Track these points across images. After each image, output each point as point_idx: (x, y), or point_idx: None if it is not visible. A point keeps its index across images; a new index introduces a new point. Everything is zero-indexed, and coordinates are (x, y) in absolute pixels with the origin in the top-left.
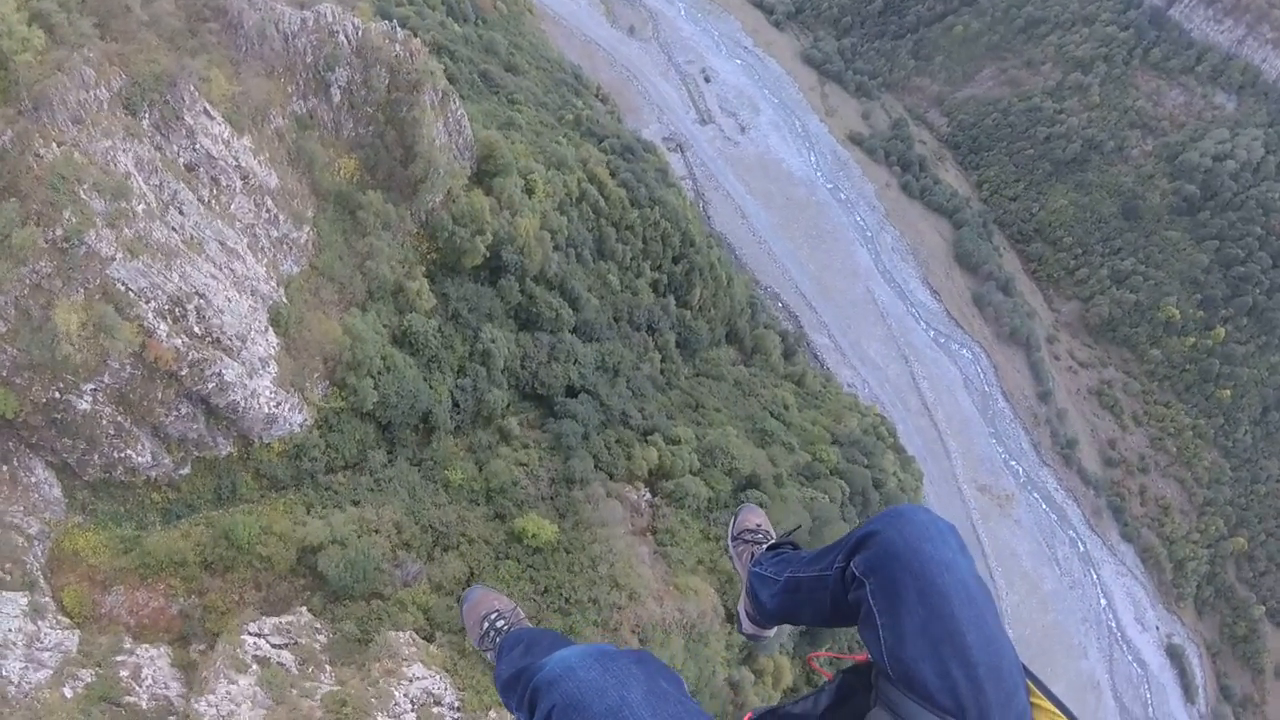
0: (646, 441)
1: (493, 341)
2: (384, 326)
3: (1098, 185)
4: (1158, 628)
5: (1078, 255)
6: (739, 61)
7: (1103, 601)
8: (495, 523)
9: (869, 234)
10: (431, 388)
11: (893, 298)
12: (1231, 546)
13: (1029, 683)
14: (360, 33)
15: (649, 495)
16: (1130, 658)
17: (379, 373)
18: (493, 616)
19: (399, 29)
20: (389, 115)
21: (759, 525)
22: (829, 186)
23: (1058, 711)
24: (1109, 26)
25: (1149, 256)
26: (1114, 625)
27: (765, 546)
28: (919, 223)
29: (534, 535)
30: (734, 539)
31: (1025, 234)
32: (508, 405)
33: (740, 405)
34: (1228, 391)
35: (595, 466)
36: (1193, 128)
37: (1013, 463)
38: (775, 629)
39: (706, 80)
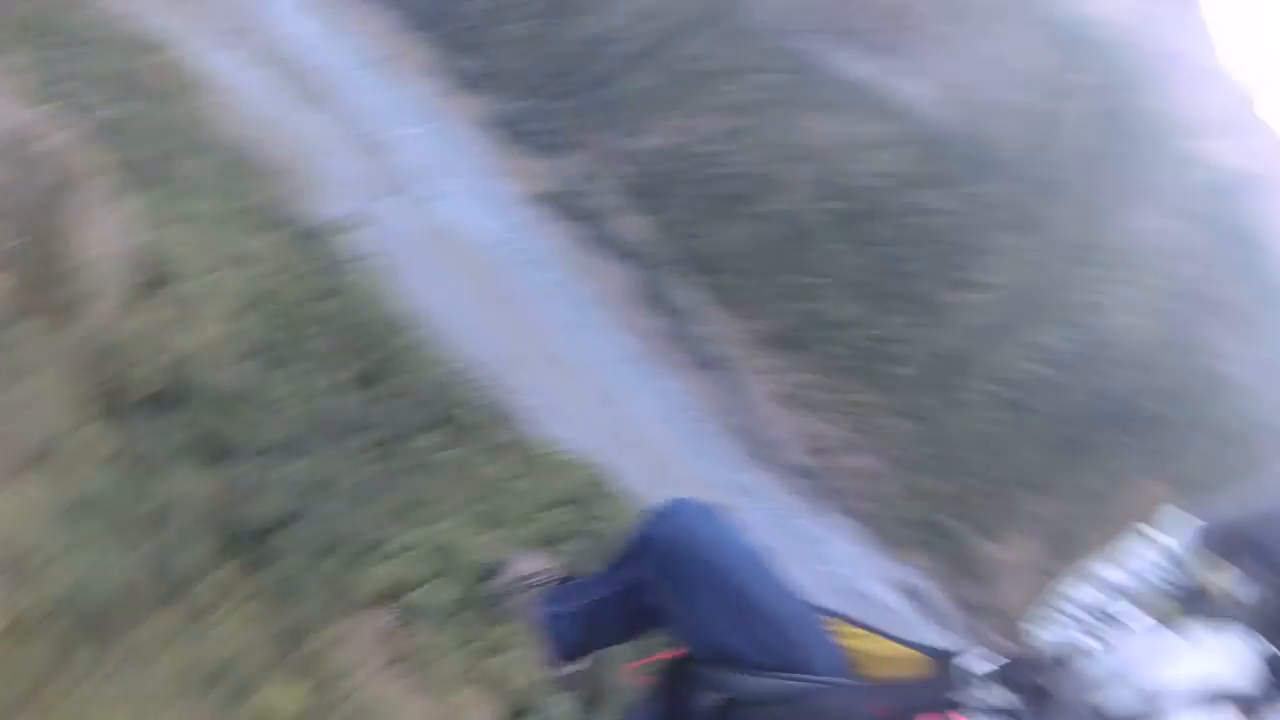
0: (376, 557)
1: (181, 487)
2: (52, 496)
3: (770, 215)
4: (893, 577)
5: (761, 278)
6: (424, 129)
7: (840, 571)
8: (228, 712)
9: (562, 290)
10: (116, 560)
11: (593, 347)
12: (941, 492)
13: (828, 616)
14: (10, 123)
15: (391, 617)
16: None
17: (60, 557)
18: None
19: (57, 115)
20: (40, 221)
21: (533, 571)
22: (519, 248)
23: (862, 630)
24: (772, 75)
25: (823, 269)
26: (853, 587)
27: (546, 585)
28: (610, 272)
29: (269, 718)
30: (504, 594)
31: (712, 267)
32: (210, 558)
33: (461, 489)
34: (909, 370)
35: (326, 604)
36: (850, 150)
37: (728, 475)
38: (589, 659)
39: (391, 150)
